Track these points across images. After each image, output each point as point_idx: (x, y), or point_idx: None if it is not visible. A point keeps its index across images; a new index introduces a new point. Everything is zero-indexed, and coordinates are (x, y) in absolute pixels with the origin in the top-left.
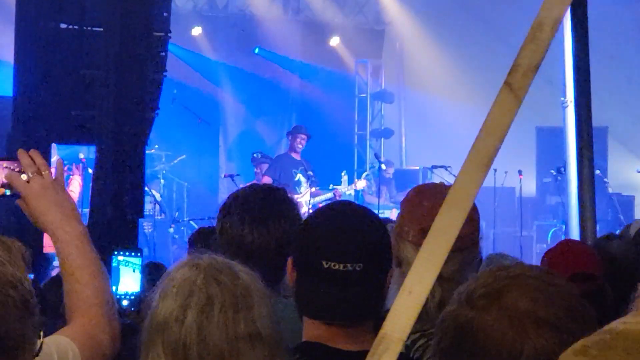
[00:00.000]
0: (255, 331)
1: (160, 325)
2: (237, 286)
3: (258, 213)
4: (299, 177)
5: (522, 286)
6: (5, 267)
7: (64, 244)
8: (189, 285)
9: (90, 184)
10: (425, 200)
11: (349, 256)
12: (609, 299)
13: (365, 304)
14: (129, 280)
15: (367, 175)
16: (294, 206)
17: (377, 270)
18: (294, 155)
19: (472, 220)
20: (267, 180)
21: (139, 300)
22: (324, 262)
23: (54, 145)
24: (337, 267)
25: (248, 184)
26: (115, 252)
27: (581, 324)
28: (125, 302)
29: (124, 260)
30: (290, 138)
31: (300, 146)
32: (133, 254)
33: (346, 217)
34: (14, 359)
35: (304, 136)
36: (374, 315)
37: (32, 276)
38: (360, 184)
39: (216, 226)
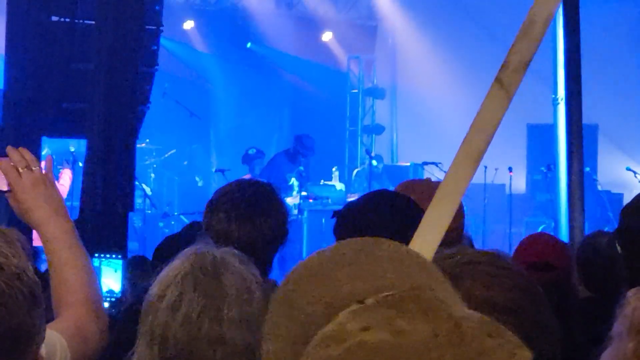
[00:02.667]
0: (217, 335)
1: (146, 308)
2: (213, 286)
3: (244, 209)
4: (293, 181)
5: (474, 273)
6: (8, 259)
7: (52, 239)
8: (171, 278)
9: (81, 178)
10: (413, 195)
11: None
12: (572, 293)
13: None
14: (109, 281)
15: (358, 171)
16: (280, 202)
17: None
18: (291, 159)
19: (459, 215)
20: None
21: (118, 302)
22: None
23: (44, 138)
24: None
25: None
26: (97, 255)
27: (534, 302)
28: (105, 304)
29: (105, 260)
30: (294, 148)
31: (303, 158)
32: (114, 255)
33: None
34: (26, 351)
35: (306, 154)
36: None
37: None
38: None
39: (203, 222)
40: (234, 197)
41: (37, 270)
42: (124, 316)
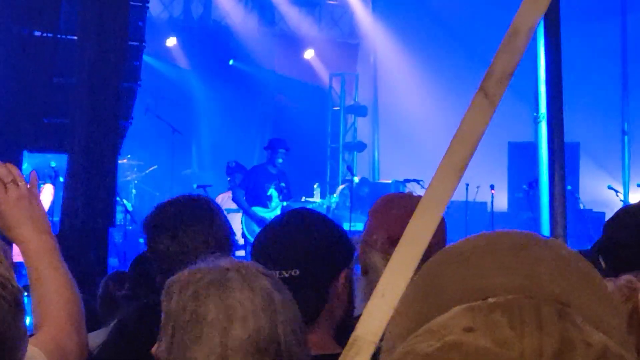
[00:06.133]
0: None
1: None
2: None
3: (170, 224)
4: (271, 191)
5: None
6: None
7: (35, 255)
8: (172, 287)
9: (62, 193)
10: (393, 209)
11: (284, 263)
12: None
13: (305, 309)
14: None
15: (342, 189)
16: (210, 214)
17: (317, 275)
18: (270, 168)
19: (440, 230)
20: (239, 192)
21: None
22: None
23: (25, 152)
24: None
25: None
26: None
27: None
28: None
29: None
30: (269, 152)
31: (280, 160)
32: None
33: (285, 225)
34: (11, 359)
35: (283, 150)
36: (314, 319)
37: None
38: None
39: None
40: (161, 213)
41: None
42: (116, 331)
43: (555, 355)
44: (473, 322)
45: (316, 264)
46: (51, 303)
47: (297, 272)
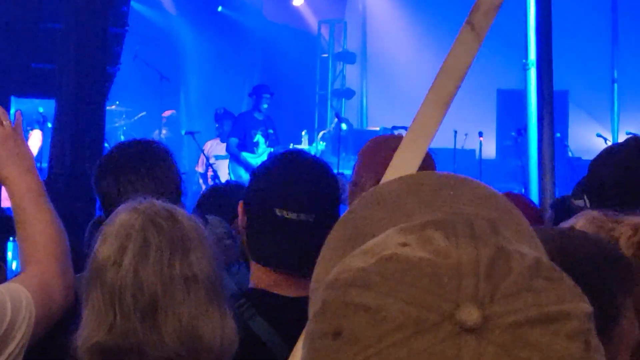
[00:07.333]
0: (191, 274)
1: (99, 268)
2: (175, 230)
3: (113, 167)
4: (258, 137)
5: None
6: None
7: (20, 195)
8: (127, 229)
9: (50, 138)
10: (382, 151)
11: (303, 206)
12: None
13: (313, 255)
14: None
15: (324, 134)
16: (156, 160)
17: (328, 222)
18: (256, 114)
19: (430, 166)
20: (233, 140)
21: None
22: (277, 210)
23: (12, 98)
24: (290, 216)
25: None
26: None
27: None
28: None
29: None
30: (253, 98)
31: (265, 105)
32: None
33: (301, 166)
34: None
35: (267, 95)
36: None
37: None
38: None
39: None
40: (118, 159)
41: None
42: None
43: (491, 263)
44: (406, 239)
45: (329, 211)
46: (37, 242)
47: (313, 217)
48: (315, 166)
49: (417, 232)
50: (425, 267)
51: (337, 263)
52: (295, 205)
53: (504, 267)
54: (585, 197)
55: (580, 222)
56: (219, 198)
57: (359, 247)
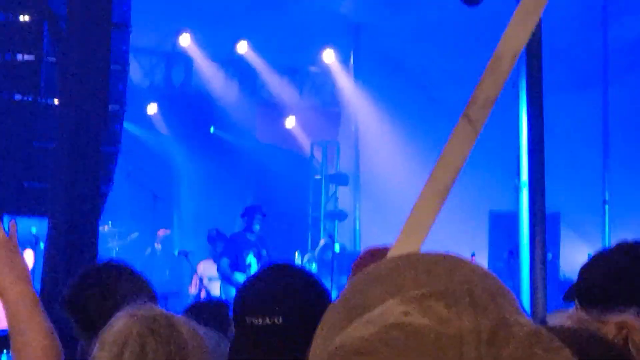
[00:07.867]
0: None
1: None
2: (173, 338)
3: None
4: (250, 258)
5: None
6: None
7: (14, 304)
8: (125, 336)
9: (42, 260)
10: (377, 259)
11: (268, 309)
12: None
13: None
14: None
15: (309, 257)
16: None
17: (302, 324)
18: (248, 235)
19: None
20: (224, 261)
21: None
22: (246, 319)
23: (5, 216)
24: (257, 321)
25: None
26: None
27: None
28: None
29: None
30: (245, 219)
31: (257, 226)
32: None
33: (271, 274)
34: None
35: (259, 216)
36: None
37: None
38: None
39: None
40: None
41: None
42: None
43: (492, 331)
44: (408, 308)
45: (302, 312)
46: (31, 353)
47: (281, 320)
48: (291, 272)
49: (418, 302)
50: (428, 334)
51: (335, 337)
52: (260, 310)
53: (505, 336)
54: (576, 300)
55: (567, 323)
56: (201, 314)
57: (358, 320)
